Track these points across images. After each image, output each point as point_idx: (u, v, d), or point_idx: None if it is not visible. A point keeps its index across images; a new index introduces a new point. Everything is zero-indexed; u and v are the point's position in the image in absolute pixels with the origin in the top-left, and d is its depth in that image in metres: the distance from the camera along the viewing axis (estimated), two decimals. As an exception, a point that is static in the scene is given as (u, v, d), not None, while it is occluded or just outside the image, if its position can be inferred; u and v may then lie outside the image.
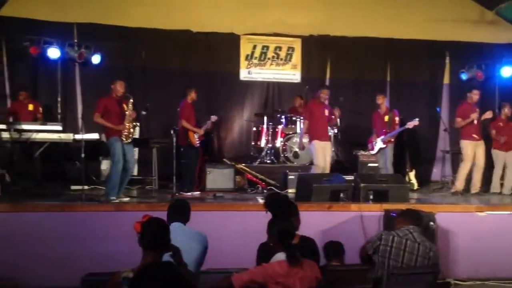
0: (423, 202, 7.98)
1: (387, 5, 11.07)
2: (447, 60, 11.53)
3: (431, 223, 6.33)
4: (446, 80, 11.59)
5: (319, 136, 8.52)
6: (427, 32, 11.11)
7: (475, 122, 8.78)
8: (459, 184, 8.92)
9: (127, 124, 7.46)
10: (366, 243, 4.68)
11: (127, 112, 7.48)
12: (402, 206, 6.63)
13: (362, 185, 7.35)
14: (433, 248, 4.54)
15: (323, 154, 8.47)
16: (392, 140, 9.01)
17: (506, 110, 9.28)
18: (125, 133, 7.44)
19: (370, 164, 9.71)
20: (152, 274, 2.34)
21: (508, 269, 6.67)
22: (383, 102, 9.18)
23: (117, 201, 7.24)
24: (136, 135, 9.94)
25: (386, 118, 9.05)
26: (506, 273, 6.73)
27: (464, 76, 10.89)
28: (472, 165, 8.85)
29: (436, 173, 11.09)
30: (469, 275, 6.84)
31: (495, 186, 9.18)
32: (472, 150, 8.82)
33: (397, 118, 9.10)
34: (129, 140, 7.51)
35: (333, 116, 8.98)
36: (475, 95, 8.89)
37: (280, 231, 3.76)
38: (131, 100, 7.60)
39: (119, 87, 7.54)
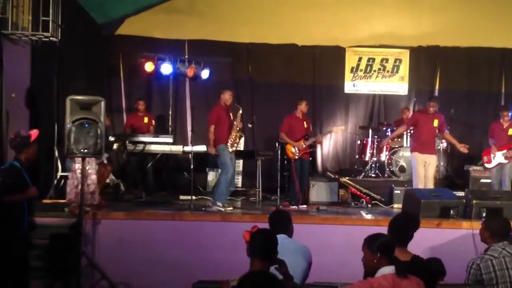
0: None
1: (499, 14, 10.54)
2: None
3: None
4: None
5: (421, 149, 8.24)
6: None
7: None
8: None
9: (233, 134, 7.69)
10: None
11: (235, 123, 7.73)
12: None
13: (474, 201, 7.02)
14: None
15: (423, 168, 8.15)
16: None
17: None
18: (231, 142, 7.66)
19: (482, 180, 9.24)
20: (255, 282, 2.38)
21: None
22: (507, 115, 8.62)
23: (222, 209, 7.47)
24: (241, 147, 10.21)
25: (511, 131, 8.53)
26: None
27: None
28: None
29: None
30: None
31: None
32: None
33: None
34: (234, 149, 7.71)
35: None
36: None
37: (382, 245, 3.70)
38: (240, 112, 7.84)
39: (228, 96, 7.81)
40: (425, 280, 4.05)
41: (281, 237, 4.47)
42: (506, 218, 5.05)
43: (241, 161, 10.21)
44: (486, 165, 8.74)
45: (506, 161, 8.42)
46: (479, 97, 10.80)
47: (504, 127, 8.60)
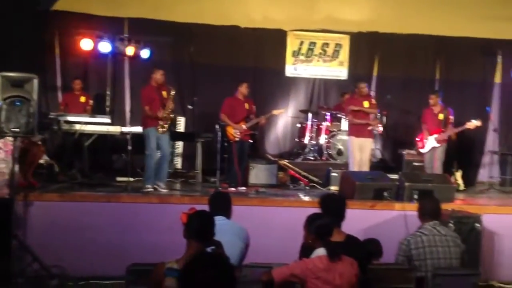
0: (469, 203, 7.81)
1: (437, 2, 10.84)
2: (499, 59, 11.19)
3: (477, 224, 6.22)
4: (498, 79, 11.25)
5: (357, 133, 8.43)
6: (479, 30, 10.78)
7: None
8: None
9: (165, 115, 7.59)
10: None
11: (166, 104, 7.63)
12: (448, 207, 6.59)
13: (406, 184, 7.26)
14: (458, 236, 4.78)
15: (359, 151, 8.36)
16: (446, 139, 8.82)
17: None
18: (161, 123, 7.58)
19: (415, 163, 9.56)
20: (203, 264, 2.36)
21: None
22: (436, 101, 8.94)
23: (151, 190, 7.45)
24: (182, 129, 10.13)
25: (441, 116, 8.85)
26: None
27: (516, 75, 10.56)
28: None
29: (483, 174, 10.82)
30: (514, 278, 6.70)
31: None
32: None
33: (451, 117, 8.90)
34: (163, 130, 7.64)
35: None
36: None
37: (318, 227, 3.78)
38: (173, 92, 7.74)
39: (159, 76, 7.74)
40: (360, 260, 4.18)
41: (219, 219, 4.48)
42: (436, 199, 5.28)
43: (181, 143, 10.13)
44: (420, 150, 9.06)
45: (438, 145, 8.77)
46: (415, 83, 11.08)
47: (435, 112, 8.92)
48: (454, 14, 10.75)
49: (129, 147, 7.73)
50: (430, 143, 8.83)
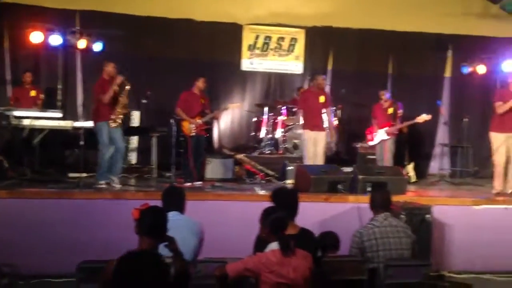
0: (421, 195, 8.01)
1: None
2: (450, 54, 11.47)
3: (427, 215, 6.37)
4: (448, 73, 11.55)
5: (311, 126, 8.52)
6: (430, 25, 11.03)
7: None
8: (496, 183, 7.92)
9: (117, 110, 7.48)
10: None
11: (120, 98, 7.51)
12: (400, 198, 6.74)
13: (360, 177, 7.39)
14: (408, 227, 4.98)
15: (313, 145, 8.45)
16: (396, 132, 9.03)
17: None
18: (113, 117, 7.47)
19: (368, 156, 9.74)
20: (133, 261, 2.33)
21: (503, 263, 6.71)
22: (383, 94, 9.22)
23: (104, 186, 7.33)
24: (136, 123, 9.99)
25: (390, 110, 9.05)
26: (500, 266, 6.78)
27: (465, 70, 10.84)
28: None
29: (434, 166, 11.11)
30: (464, 268, 6.89)
31: None
32: (503, 143, 7.82)
33: (400, 111, 9.13)
34: (116, 125, 7.53)
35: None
36: None
37: (272, 222, 3.80)
38: (127, 87, 7.62)
39: (111, 68, 7.58)
40: (314, 253, 4.22)
41: (173, 214, 4.47)
42: (387, 191, 5.39)
43: (135, 138, 9.99)
44: (370, 143, 9.28)
45: (388, 137, 8.97)
46: (369, 77, 11.23)
47: (384, 107, 9.16)
48: (406, 10, 10.94)
49: (81, 142, 7.57)
50: (379, 135, 9.06)
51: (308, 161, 8.42)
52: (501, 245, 6.94)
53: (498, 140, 7.85)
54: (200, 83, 8.56)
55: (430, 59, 11.48)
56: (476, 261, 6.94)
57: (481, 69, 10.54)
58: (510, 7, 10.99)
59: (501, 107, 7.85)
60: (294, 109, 10.30)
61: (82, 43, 9.64)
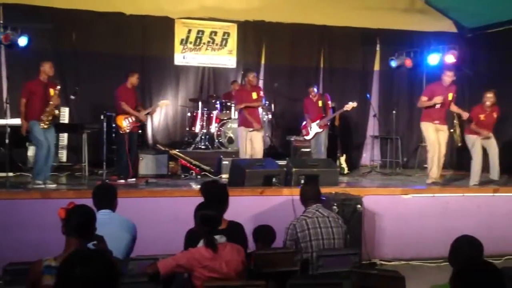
0: (352, 185, 8.22)
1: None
2: (378, 48, 11.81)
3: (358, 206, 6.55)
4: (377, 67, 11.89)
5: (247, 122, 8.56)
6: (359, 19, 11.31)
7: (438, 106, 8.13)
8: (431, 172, 8.21)
9: (48, 110, 7.28)
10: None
11: (51, 102, 7.30)
12: (332, 190, 6.89)
13: (294, 169, 7.49)
14: (340, 217, 5.11)
15: (249, 141, 8.50)
16: (328, 124, 9.23)
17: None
18: (44, 119, 7.26)
19: (302, 149, 9.90)
20: (81, 260, 2.27)
21: (431, 249, 6.97)
22: (313, 91, 9.34)
23: (42, 186, 7.12)
24: (66, 120, 9.70)
25: (320, 103, 9.24)
26: (429, 253, 7.04)
27: (393, 63, 11.17)
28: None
29: (365, 157, 11.43)
30: (394, 255, 7.14)
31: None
32: (434, 133, 8.15)
33: (329, 102, 9.35)
34: (45, 126, 7.32)
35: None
36: (447, 77, 8.16)
37: (201, 217, 3.80)
38: (58, 87, 7.41)
39: (48, 68, 7.34)
40: (245, 246, 4.25)
41: (104, 212, 4.39)
42: (316, 184, 5.50)
43: (66, 135, 9.71)
44: (306, 137, 9.44)
45: (321, 130, 9.16)
46: (300, 71, 11.42)
47: (314, 100, 9.34)
48: (336, 4, 11.18)
49: (7, 140, 7.27)
50: (313, 129, 9.23)
51: (244, 155, 8.46)
52: (428, 233, 7.23)
53: (428, 129, 8.20)
54: (133, 79, 8.38)
55: (360, 53, 11.78)
56: (406, 248, 7.21)
57: (408, 62, 10.90)
58: (434, 2, 11.42)
59: (421, 102, 8.30)
60: (228, 103, 10.32)
61: (5, 38, 9.21)
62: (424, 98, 8.28)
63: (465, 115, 8.29)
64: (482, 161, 8.22)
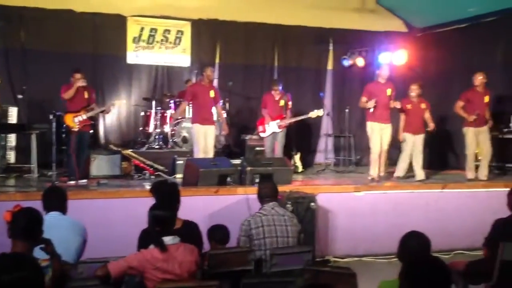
0: (306, 184, 8.29)
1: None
2: (331, 47, 11.93)
3: (312, 204, 6.62)
4: (330, 66, 12.02)
5: (201, 120, 8.51)
6: (313, 19, 11.41)
7: (372, 110, 8.39)
8: (372, 170, 8.44)
9: None
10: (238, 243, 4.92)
11: None
12: (286, 188, 6.93)
13: (248, 168, 7.50)
14: (294, 216, 5.20)
15: (204, 138, 8.46)
16: (287, 125, 9.21)
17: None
18: None
19: (257, 148, 9.91)
20: (5, 266, 2.21)
21: (383, 245, 7.06)
22: (277, 89, 9.29)
23: None
24: (14, 120, 9.41)
25: (282, 102, 9.22)
26: (380, 249, 7.14)
27: (346, 63, 11.35)
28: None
29: (320, 156, 11.55)
30: (347, 252, 7.25)
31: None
32: (377, 133, 8.41)
33: (290, 103, 9.33)
34: None
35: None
36: (382, 71, 8.56)
37: (154, 218, 3.75)
38: None
39: None
40: (199, 246, 4.23)
41: (54, 214, 4.30)
42: (273, 181, 5.52)
43: (13, 135, 9.41)
44: (261, 134, 9.39)
45: (279, 130, 9.17)
46: (255, 70, 11.43)
47: (276, 98, 9.29)
48: (290, 4, 11.25)
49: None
50: (271, 128, 9.20)
51: (199, 155, 8.38)
52: (380, 229, 7.37)
53: (373, 129, 8.48)
54: (77, 77, 8.11)
55: (313, 52, 11.86)
56: (358, 245, 7.33)
57: (360, 61, 11.08)
58: (385, 2, 11.65)
59: (361, 103, 8.64)
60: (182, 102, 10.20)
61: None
62: (363, 99, 8.59)
63: (431, 126, 8.68)
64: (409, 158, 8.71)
